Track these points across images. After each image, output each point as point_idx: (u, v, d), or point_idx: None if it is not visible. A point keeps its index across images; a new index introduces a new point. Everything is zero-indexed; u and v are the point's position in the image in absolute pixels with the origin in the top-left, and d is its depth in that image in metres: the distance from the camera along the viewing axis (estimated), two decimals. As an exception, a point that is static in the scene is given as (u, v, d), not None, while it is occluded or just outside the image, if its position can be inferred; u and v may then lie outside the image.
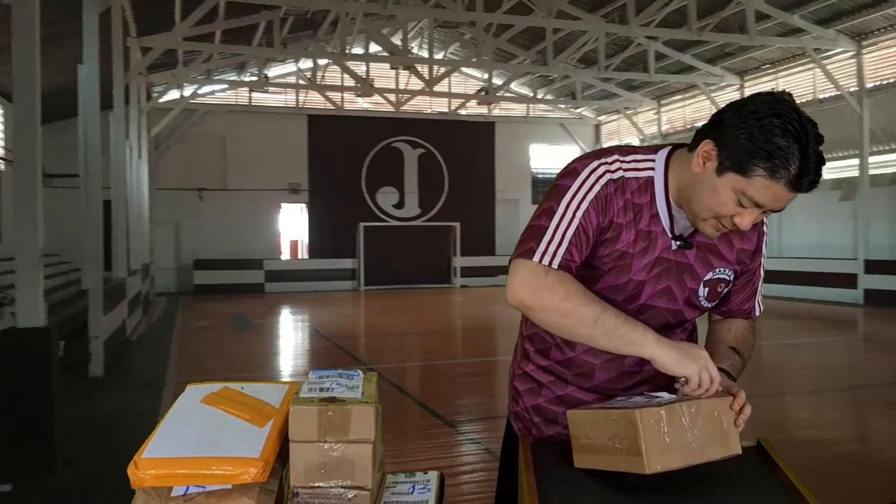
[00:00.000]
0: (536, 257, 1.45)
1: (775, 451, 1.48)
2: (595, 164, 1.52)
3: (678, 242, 1.55)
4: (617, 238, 1.52)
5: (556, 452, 1.52)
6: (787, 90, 1.42)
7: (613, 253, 1.53)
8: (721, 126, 1.41)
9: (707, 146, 1.43)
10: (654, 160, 1.55)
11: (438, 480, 1.48)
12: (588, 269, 1.54)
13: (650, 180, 1.54)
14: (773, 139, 1.34)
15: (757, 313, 1.74)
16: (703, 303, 1.63)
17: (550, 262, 1.45)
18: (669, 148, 1.57)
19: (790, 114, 1.35)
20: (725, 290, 1.66)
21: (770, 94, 1.39)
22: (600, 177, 1.50)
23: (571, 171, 1.52)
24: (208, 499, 1.19)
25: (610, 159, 1.53)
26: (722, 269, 1.61)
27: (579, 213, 1.47)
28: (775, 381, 7.63)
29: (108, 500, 3.91)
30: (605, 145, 23.51)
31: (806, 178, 1.35)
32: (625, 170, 1.53)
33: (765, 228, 1.66)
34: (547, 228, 1.47)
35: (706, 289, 1.61)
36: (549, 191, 1.54)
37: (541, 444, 1.71)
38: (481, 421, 5.98)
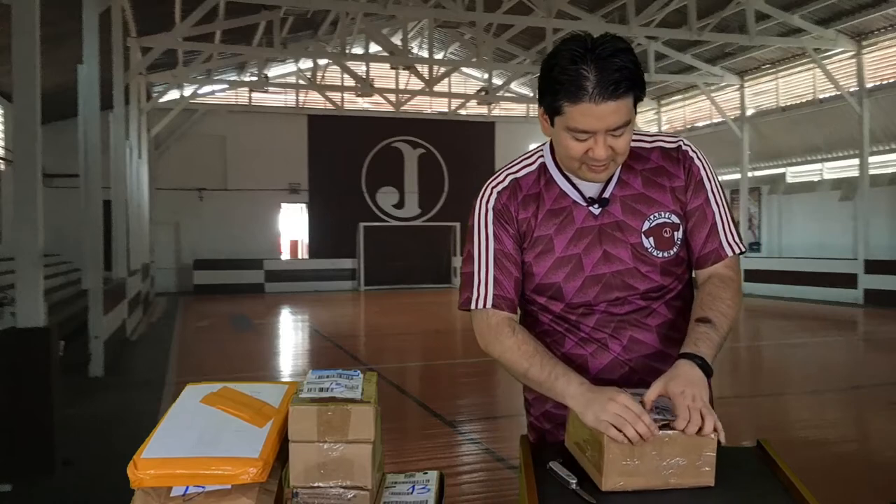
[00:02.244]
0: (473, 305, 1.63)
1: (775, 451, 1.48)
2: (484, 190, 1.66)
3: (595, 205, 1.60)
4: (528, 230, 1.62)
5: (556, 452, 1.52)
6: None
7: (530, 243, 1.62)
8: (538, 85, 1.51)
9: (539, 110, 1.54)
10: (542, 149, 1.68)
11: (438, 480, 1.48)
12: (524, 267, 1.65)
13: (542, 165, 1.65)
14: (563, 71, 1.42)
15: (729, 252, 1.63)
16: (654, 254, 1.60)
17: (485, 305, 1.61)
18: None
19: (569, 46, 1.43)
20: (676, 234, 1.61)
21: (565, 39, 1.48)
22: (489, 196, 1.64)
23: (472, 208, 1.67)
24: (208, 499, 1.19)
25: (498, 176, 1.67)
26: (658, 214, 1.60)
27: (491, 244, 1.62)
28: (775, 381, 7.64)
29: (108, 500, 3.90)
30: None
31: (604, 82, 1.39)
32: (514, 173, 1.66)
33: (697, 162, 1.63)
34: (473, 274, 1.63)
35: (650, 238, 1.60)
36: (466, 232, 1.68)
37: (540, 444, 1.72)
38: (481, 421, 5.98)
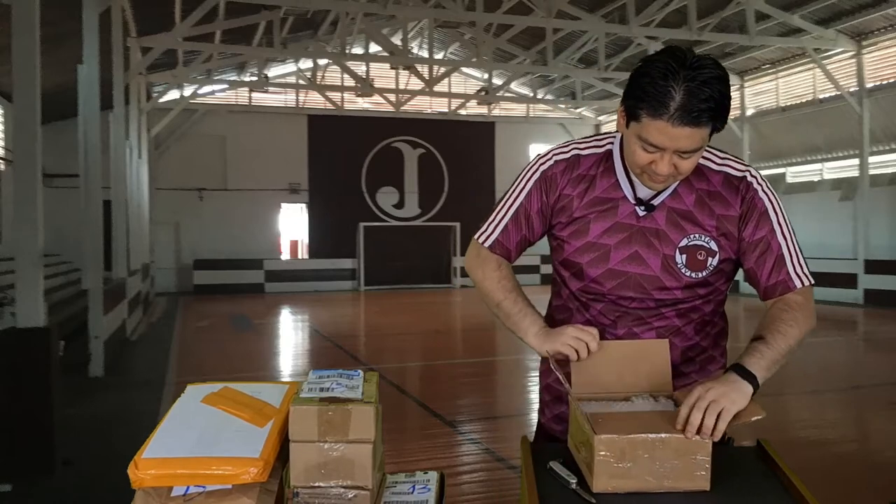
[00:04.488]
0: (476, 235, 1.78)
1: (775, 451, 1.48)
2: (548, 151, 1.74)
3: (642, 207, 1.62)
4: (568, 206, 1.68)
5: (556, 452, 1.52)
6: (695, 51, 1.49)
7: (568, 219, 1.68)
8: (626, 85, 1.53)
9: (620, 108, 1.56)
10: (614, 136, 1.69)
11: (438, 480, 1.48)
12: (553, 239, 1.75)
13: (608, 153, 1.68)
14: (652, 82, 1.43)
15: (798, 285, 1.60)
16: (683, 271, 1.62)
17: (484, 242, 1.75)
18: None
19: (666, 58, 1.44)
20: (711, 260, 1.62)
21: (666, 47, 1.50)
22: (547, 160, 1.71)
23: (531, 160, 1.75)
24: (208, 499, 1.19)
25: (566, 145, 1.73)
26: (697, 236, 1.62)
27: (521, 198, 1.72)
28: (775, 381, 7.58)
29: (108, 500, 3.90)
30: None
31: (689, 108, 1.41)
32: (580, 149, 1.71)
33: (762, 195, 1.62)
34: (493, 212, 1.76)
35: (683, 255, 1.62)
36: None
37: (541, 444, 1.74)
38: (481, 421, 5.98)
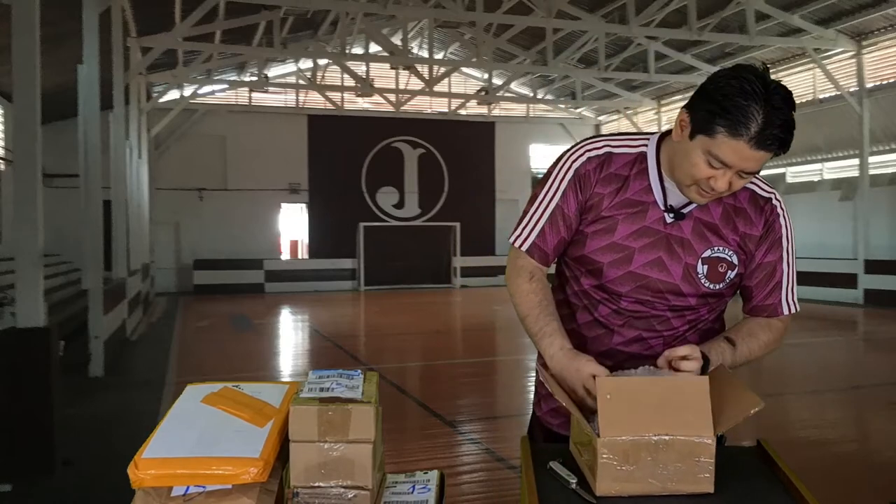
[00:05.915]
0: (512, 240, 1.72)
1: (775, 451, 1.48)
2: (578, 147, 1.69)
3: (671, 214, 1.62)
4: (598, 204, 1.65)
5: (556, 452, 1.53)
6: (765, 64, 1.50)
7: (594, 217, 1.66)
8: (696, 95, 1.51)
9: (682, 114, 1.52)
10: (647, 139, 1.68)
11: (438, 480, 1.48)
12: (577, 234, 1.70)
13: (642, 155, 1.66)
14: (734, 99, 1.41)
15: (785, 311, 1.69)
16: (703, 281, 1.64)
17: (521, 245, 1.70)
18: (664, 132, 1.67)
19: (752, 77, 1.43)
20: (730, 273, 1.65)
21: (741, 64, 1.49)
22: (579, 157, 1.67)
23: (559, 157, 1.70)
24: (208, 499, 1.19)
25: (597, 142, 1.69)
26: (720, 248, 1.64)
27: (556, 198, 1.67)
28: (775, 381, 7.63)
29: (108, 500, 3.90)
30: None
31: (767, 133, 1.41)
32: (612, 147, 1.67)
33: (781, 220, 1.67)
34: (527, 215, 1.71)
35: (705, 266, 1.64)
36: (543, 176, 1.73)
37: (538, 440, 1.77)
38: (481, 421, 5.98)
